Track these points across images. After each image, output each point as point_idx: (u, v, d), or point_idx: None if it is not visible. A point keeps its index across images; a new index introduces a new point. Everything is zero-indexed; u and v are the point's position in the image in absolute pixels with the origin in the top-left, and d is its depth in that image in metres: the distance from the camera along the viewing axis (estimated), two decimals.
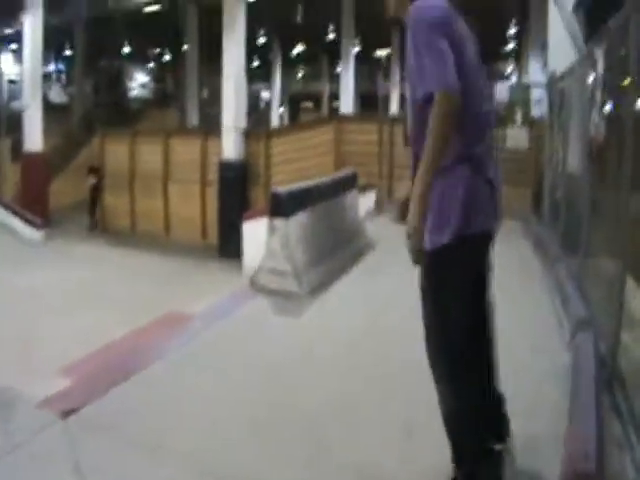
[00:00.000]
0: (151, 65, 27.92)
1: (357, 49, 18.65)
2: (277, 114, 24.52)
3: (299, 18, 17.51)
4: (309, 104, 27.87)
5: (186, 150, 10.97)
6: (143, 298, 7.07)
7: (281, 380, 2.73)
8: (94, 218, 12.26)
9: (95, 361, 4.28)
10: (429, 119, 1.43)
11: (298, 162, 9.57)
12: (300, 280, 4.03)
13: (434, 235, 1.50)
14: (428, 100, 1.44)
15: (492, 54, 18.92)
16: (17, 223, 12.29)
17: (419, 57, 1.46)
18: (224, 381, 2.73)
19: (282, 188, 4.47)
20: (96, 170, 12.11)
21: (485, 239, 1.59)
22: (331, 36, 19.64)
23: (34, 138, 11.75)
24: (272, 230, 4.15)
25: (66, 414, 2.26)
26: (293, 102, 28.20)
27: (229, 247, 8.46)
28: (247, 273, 4.58)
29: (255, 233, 4.90)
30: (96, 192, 12.13)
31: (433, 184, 1.46)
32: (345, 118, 11.59)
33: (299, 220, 4.34)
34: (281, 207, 4.15)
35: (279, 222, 4.12)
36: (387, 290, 4.21)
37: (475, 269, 1.57)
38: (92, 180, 12.10)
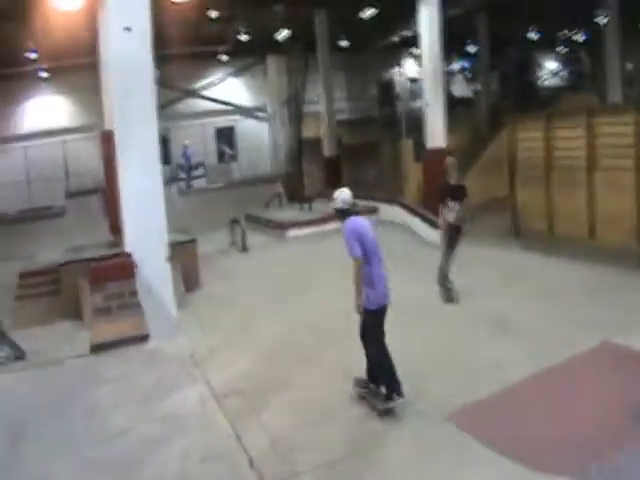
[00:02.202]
0: (560, 49, 26.00)
1: None
2: None
3: None
4: None
5: (614, 130, 9.00)
6: (559, 321, 5.87)
7: None
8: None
9: (498, 407, 3.51)
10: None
11: None
12: None
13: (365, 305, 4.62)
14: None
15: None
16: (417, 223, 12.65)
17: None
18: None
19: None
20: None
21: (382, 309, 4.72)
22: None
23: (436, 136, 11.82)
24: None
25: None
26: None
27: None
28: None
29: None
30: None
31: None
32: None
33: None
34: None
35: None
36: None
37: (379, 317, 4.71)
38: None
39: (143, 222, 5.52)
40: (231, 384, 5.16)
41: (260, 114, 24.22)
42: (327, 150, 20.92)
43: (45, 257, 13.06)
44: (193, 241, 11.97)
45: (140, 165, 5.39)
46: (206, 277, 11.49)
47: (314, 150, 21.21)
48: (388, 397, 4.63)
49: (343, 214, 4.78)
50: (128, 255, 5.48)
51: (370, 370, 4.88)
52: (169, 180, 20.85)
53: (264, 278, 10.90)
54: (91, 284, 5.09)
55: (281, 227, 14.74)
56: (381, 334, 4.71)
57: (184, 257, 11.82)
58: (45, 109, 21.01)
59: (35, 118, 20.96)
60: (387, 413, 4.59)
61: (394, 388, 4.62)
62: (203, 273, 11.57)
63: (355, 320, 4.82)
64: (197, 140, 22.11)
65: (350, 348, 5.32)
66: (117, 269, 5.26)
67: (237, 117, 23.93)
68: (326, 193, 18.90)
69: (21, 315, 10.87)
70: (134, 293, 5.26)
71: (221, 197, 18.92)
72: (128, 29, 4.87)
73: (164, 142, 22.47)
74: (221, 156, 23.84)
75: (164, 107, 21.63)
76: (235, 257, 13.43)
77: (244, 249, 13.84)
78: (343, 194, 4.82)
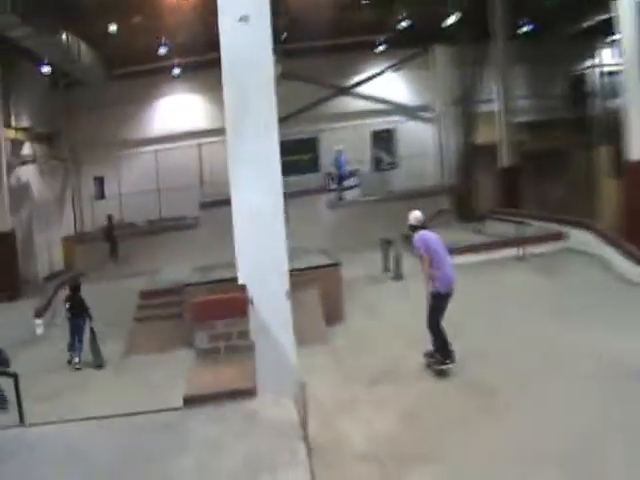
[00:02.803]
0: None
1: None
2: None
3: None
4: None
5: None
6: None
7: None
8: None
9: None
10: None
11: None
12: None
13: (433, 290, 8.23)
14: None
15: None
16: (614, 255, 11.54)
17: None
18: None
19: None
20: None
21: (446, 295, 8.23)
22: None
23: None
24: None
25: None
26: None
27: None
28: None
29: None
30: None
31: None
32: None
33: None
34: None
35: None
36: None
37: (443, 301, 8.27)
38: None
39: (258, 249, 5.39)
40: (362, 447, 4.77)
41: (424, 115, 23.88)
42: (503, 159, 20.05)
43: (171, 275, 13.97)
44: (336, 265, 11.98)
45: (255, 180, 5.27)
46: (351, 308, 11.55)
47: (488, 159, 20.48)
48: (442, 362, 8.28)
49: (415, 229, 8.85)
50: (242, 288, 5.37)
51: (433, 342, 8.42)
52: (317, 190, 21.33)
53: (414, 318, 10.79)
54: (195, 321, 5.02)
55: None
56: (441, 314, 8.30)
57: (325, 283, 11.88)
58: (178, 109, 22.54)
59: (167, 119, 22.55)
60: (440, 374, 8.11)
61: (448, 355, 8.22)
62: (348, 303, 11.61)
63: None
64: (350, 145, 22.36)
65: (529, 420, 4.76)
66: (228, 304, 5.13)
67: (397, 118, 23.84)
68: (502, 212, 18.27)
69: (138, 338, 11.66)
70: (245, 334, 5.10)
71: (376, 212, 19.28)
72: (244, 19, 4.78)
73: (312, 145, 23.06)
74: (378, 164, 23.97)
75: (311, 106, 22.23)
76: (387, 286, 13.37)
77: (398, 276, 13.69)
78: (415, 214, 9.22)
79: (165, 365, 9.66)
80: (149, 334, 11.24)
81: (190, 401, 4.40)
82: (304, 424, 5.37)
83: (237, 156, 5.36)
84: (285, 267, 5.54)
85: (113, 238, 19.69)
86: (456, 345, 8.20)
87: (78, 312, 11.09)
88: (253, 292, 5.36)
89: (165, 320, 11.42)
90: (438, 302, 8.22)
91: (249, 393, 4.47)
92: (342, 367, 9.01)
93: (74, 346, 10.96)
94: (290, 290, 5.60)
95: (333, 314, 11.26)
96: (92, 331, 11.03)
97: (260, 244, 5.41)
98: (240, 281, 5.43)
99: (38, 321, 13.29)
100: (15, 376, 7.72)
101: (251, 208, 5.37)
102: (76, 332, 10.98)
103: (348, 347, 9.95)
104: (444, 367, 8.18)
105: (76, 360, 10.85)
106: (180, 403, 4.23)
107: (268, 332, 5.44)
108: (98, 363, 10.88)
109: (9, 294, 15.88)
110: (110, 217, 20.34)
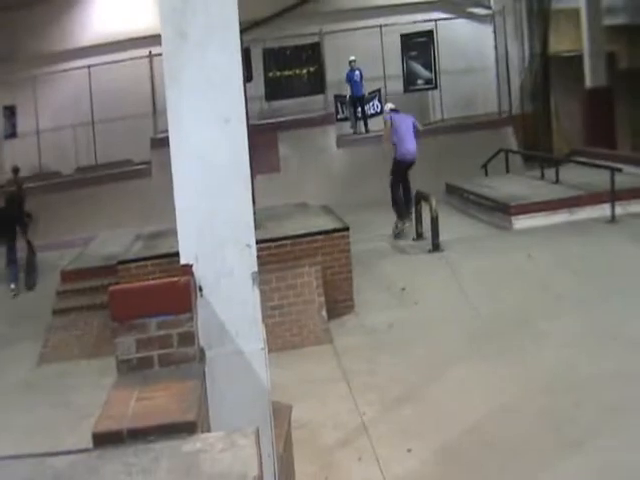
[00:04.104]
0: None
1: None
2: None
3: None
4: None
5: None
6: None
7: None
8: None
9: None
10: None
11: None
12: None
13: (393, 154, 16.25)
14: None
15: None
16: None
17: None
18: None
19: None
20: None
21: (404, 163, 15.89)
22: None
23: None
24: None
25: None
26: None
27: None
28: None
29: None
30: None
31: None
32: None
33: None
34: None
35: None
36: None
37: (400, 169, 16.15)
38: None
39: (211, 212, 5.19)
40: None
41: (477, 11, 23.52)
42: (590, 77, 19.77)
43: (107, 247, 13.91)
44: (345, 230, 11.77)
45: (204, 107, 5.11)
46: (365, 294, 11.46)
47: (568, 77, 20.19)
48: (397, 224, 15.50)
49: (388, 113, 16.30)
50: (185, 269, 5.18)
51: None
52: (321, 120, 21.11)
53: (464, 306, 10.79)
54: (116, 318, 4.85)
55: (504, 210, 14.70)
56: (400, 178, 15.66)
57: (328, 258, 11.65)
58: (119, 5, 22.09)
59: (104, 20, 22.14)
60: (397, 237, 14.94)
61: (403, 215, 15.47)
62: (361, 287, 11.49)
63: None
64: (371, 54, 22.26)
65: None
66: (164, 294, 4.94)
67: (438, 15, 23.39)
68: (588, 153, 17.97)
69: (57, 339, 11.58)
70: (190, 338, 4.94)
71: None
72: None
73: (315, 54, 22.71)
74: (411, 81, 23.56)
75: None
76: (418, 260, 13.26)
77: (435, 247, 13.64)
78: (388, 105, 17.12)
79: (93, 378, 9.58)
80: (72, 333, 11.17)
81: (102, 439, 4.23)
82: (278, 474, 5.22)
83: (178, 70, 5.21)
84: (251, 237, 5.36)
85: (21, 211, 17.53)
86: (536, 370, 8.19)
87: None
88: (202, 276, 5.24)
89: (94, 312, 11.33)
90: (396, 167, 15.62)
91: (189, 428, 4.29)
92: (351, 380, 9.00)
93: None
94: (257, 272, 5.43)
95: (339, 302, 11.20)
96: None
97: (213, 204, 5.23)
98: (182, 259, 5.23)
99: None
100: None
101: (199, 151, 5.17)
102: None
103: (360, 350, 10.01)
104: (399, 227, 15.32)
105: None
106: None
107: (226, 335, 5.31)
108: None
109: None
110: (16, 170, 18.46)
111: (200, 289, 5.22)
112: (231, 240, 5.27)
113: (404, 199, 15.47)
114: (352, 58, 21.41)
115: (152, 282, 5.22)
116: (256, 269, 5.39)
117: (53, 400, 9.46)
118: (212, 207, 5.20)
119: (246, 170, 5.29)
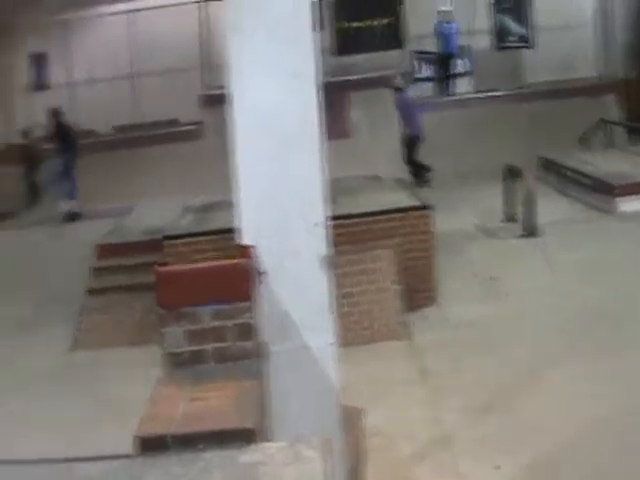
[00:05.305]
0: None
1: None
2: None
3: None
4: None
5: None
6: None
7: None
8: None
9: None
10: None
11: None
12: None
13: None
14: None
15: None
16: None
17: None
18: None
19: None
20: None
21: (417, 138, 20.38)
22: None
23: None
24: None
25: None
26: None
27: None
28: None
29: None
30: None
31: None
32: None
33: None
34: None
35: None
36: None
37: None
38: None
39: (276, 184, 5.18)
40: None
41: None
42: None
43: (149, 219, 13.97)
44: (426, 209, 11.69)
45: (269, 65, 5.08)
46: (450, 283, 11.45)
47: None
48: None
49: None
50: (245, 251, 5.17)
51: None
52: (402, 79, 21.06)
53: (563, 301, 10.66)
54: (163, 306, 4.85)
55: (606, 191, 14.57)
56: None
57: (406, 240, 11.53)
58: None
59: None
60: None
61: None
62: (444, 275, 11.46)
63: None
64: (457, 6, 22.46)
65: None
66: (220, 279, 4.94)
67: None
68: None
69: (92, 323, 11.68)
70: (249, 331, 4.93)
71: (498, 117, 19.65)
72: None
73: (392, 3, 22.59)
74: (502, 37, 23.56)
75: None
76: (509, 246, 13.41)
77: (530, 230, 13.71)
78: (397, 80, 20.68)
79: (133, 368, 9.67)
80: (108, 316, 11.27)
81: (146, 445, 4.25)
82: None
83: (241, 18, 5.13)
84: (321, 215, 5.38)
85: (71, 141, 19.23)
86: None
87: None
88: (265, 259, 5.25)
89: (134, 293, 11.43)
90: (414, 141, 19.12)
91: (247, 437, 4.30)
92: (430, 382, 8.97)
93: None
94: (332, 256, 5.51)
95: (419, 292, 11.15)
96: None
97: (278, 173, 5.23)
98: (241, 238, 5.22)
99: None
100: None
101: (263, 110, 5.16)
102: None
103: (442, 347, 9.96)
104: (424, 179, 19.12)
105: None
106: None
107: (290, 327, 5.35)
108: None
109: None
110: (57, 112, 19.61)
111: (262, 274, 5.23)
112: (298, 216, 5.28)
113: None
114: (445, 8, 21.22)
115: (206, 264, 5.24)
116: (326, 251, 5.40)
117: (86, 393, 9.49)
118: (276, 177, 5.22)
119: (316, 134, 5.30)
